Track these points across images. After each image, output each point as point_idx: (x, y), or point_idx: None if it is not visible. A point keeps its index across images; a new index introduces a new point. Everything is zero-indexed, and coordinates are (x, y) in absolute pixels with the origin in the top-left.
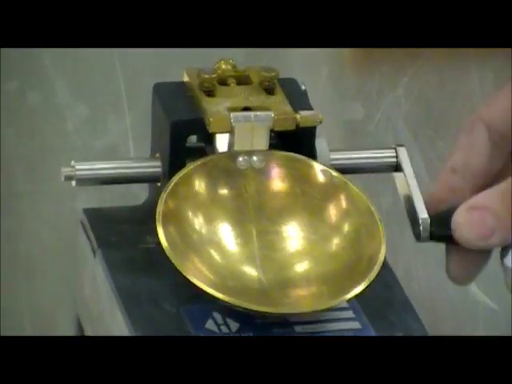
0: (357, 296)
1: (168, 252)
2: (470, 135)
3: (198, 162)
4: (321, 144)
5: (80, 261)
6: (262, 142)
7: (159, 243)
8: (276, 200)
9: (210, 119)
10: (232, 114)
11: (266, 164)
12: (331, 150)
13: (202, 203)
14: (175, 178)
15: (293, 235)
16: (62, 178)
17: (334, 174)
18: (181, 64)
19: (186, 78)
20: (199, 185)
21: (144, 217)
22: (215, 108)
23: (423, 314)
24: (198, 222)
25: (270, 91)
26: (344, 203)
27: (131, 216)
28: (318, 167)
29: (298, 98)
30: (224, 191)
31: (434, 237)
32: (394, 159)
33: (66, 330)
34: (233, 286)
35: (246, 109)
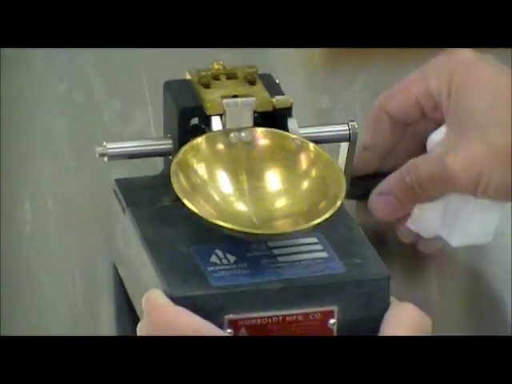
0: (325, 220)
1: (180, 195)
2: (376, 121)
3: (200, 137)
4: (292, 123)
5: (113, 219)
6: (247, 120)
7: (175, 195)
8: (261, 164)
9: (208, 104)
10: (224, 101)
11: (252, 138)
12: (300, 127)
13: (204, 169)
14: (183, 149)
15: (275, 188)
16: (97, 155)
17: (303, 140)
18: (187, 65)
19: (188, 76)
20: (202, 155)
21: (161, 183)
22: (211, 96)
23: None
24: (202, 183)
25: (251, 83)
26: (312, 160)
27: (151, 183)
28: (290, 137)
29: (274, 88)
30: (221, 160)
31: (350, 196)
32: (347, 131)
33: (105, 273)
34: (231, 223)
35: (235, 96)
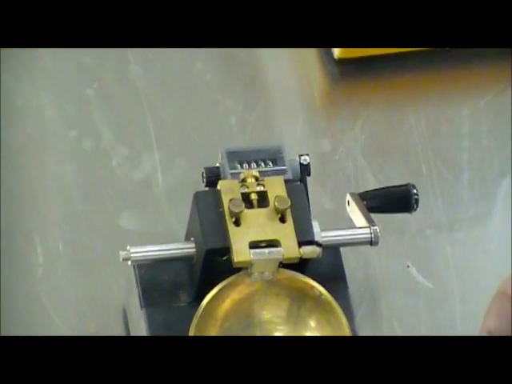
0: None
1: None
2: (499, 306)
3: (224, 283)
4: (315, 226)
5: (128, 292)
6: (272, 268)
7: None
8: (276, 303)
9: (235, 260)
10: (252, 252)
11: (273, 277)
12: (322, 230)
13: (224, 313)
14: (204, 302)
15: (280, 328)
16: (121, 259)
17: (322, 291)
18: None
19: (218, 187)
20: (223, 301)
21: (180, 278)
22: (239, 246)
23: (378, 290)
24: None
25: (282, 219)
26: (322, 316)
27: (170, 278)
28: (310, 284)
29: (304, 225)
30: (239, 298)
31: None
32: (369, 236)
33: (115, 315)
34: None
35: (263, 243)
